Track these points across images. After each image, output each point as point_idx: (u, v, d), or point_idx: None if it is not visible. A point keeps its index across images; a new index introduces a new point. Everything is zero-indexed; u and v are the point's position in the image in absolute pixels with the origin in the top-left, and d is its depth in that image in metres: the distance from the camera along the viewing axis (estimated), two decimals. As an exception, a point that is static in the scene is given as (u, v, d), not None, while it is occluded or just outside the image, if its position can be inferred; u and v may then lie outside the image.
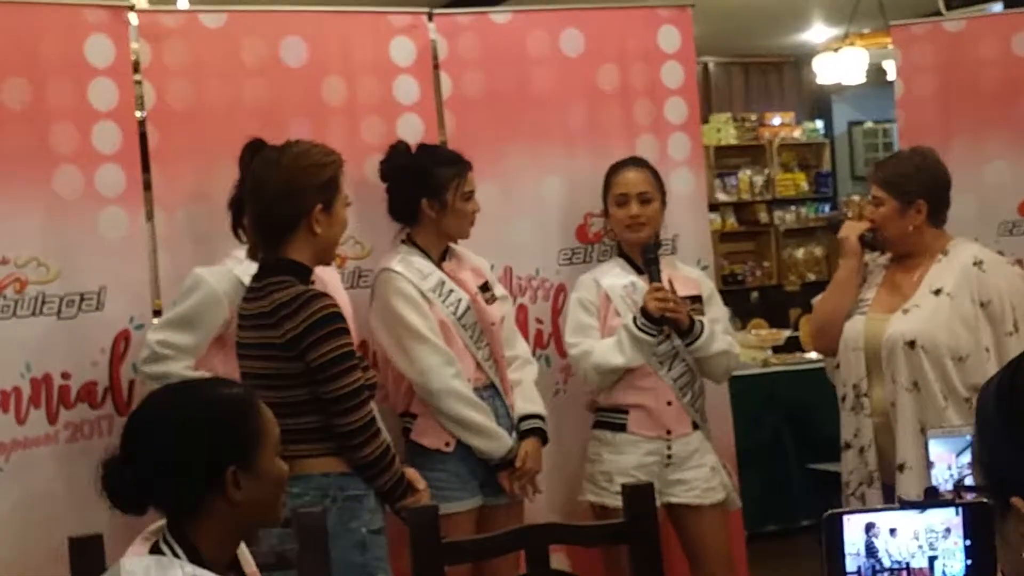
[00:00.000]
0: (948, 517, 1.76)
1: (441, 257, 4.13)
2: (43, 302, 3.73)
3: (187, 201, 3.89)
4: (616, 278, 4.34)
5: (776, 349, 7.63)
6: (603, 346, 4.24)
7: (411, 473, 3.49)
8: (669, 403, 4.27)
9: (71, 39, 3.82)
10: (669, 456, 4.28)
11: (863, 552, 1.73)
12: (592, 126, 4.65)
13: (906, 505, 1.75)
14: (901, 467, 3.99)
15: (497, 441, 4.03)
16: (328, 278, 3.93)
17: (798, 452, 6.97)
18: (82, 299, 3.80)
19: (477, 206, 4.15)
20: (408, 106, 4.37)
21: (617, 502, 3.19)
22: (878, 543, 1.73)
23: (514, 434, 4.10)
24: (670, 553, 4.44)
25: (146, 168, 3.99)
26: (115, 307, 3.85)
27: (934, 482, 2.46)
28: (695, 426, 4.32)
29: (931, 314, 4.01)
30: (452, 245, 4.17)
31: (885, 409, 4.05)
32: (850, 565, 1.73)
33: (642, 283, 4.28)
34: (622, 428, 4.28)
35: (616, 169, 4.38)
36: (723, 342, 4.32)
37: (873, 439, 4.08)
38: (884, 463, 4.07)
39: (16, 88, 3.71)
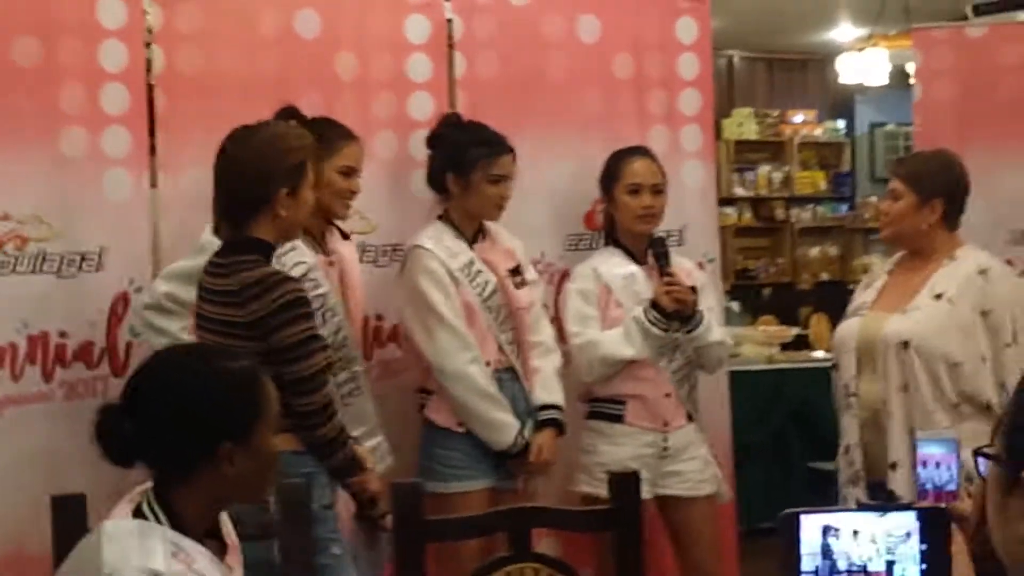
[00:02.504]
0: (908, 522, 1.75)
1: (475, 235, 4.12)
2: (43, 260, 3.72)
3: (192, 167, 3.87)
4: (615, 268, 4.32)
5: (784, 346, 7.61)
6: (611, 337, 4.22)
7: (361, 452, 3.49)
8: (667, 395, 4.27)
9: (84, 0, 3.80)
10: (665, 448, 4.27)
11: (819, 553, 1.72)
12: (605, 114, 4.64)
13: (864, 508, 1.75)
14: (894, 465, 4.00)
15: (500, 433, 4.03)
16: (345, 252, 3.94)
17: (801, 449, 6.95)
18: (82, 259, 3.79)
19: (506, 191, 4.13)
20: (420, 84, 4.35)
21: (612, 493, 3.18)
22: (835, 544, 1.72)
23: (529, 421, 4.10)
24: (657, 544, 4.45)
25: (152, 133, 3.98)
26: (115, 269, 3.84)
27: (922, 482, 2.44)
28: (690, 418, 4.32)
29: (929, 317, 4.00)
30: (487, 224, 4.16)
31: (875, 407, 4.06)
32: (807, 565, 1.73)
33: (642, 274, 4.28)
34: (619, 419, 4.27)
35: (625, 158, 4.35)
36: (719, 332, 4.32)
37: (859, 438, 4.08)
38: (871, 461, 4.08)
39: (26, 46, 3.69)
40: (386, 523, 3.32)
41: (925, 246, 4.14)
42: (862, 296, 4.25)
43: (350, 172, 3.85)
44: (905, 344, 3.99)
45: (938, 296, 4.04)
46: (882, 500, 1.78)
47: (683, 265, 4.41)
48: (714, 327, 4.30)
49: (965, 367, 3.98)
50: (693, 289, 4.27)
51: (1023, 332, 4.03)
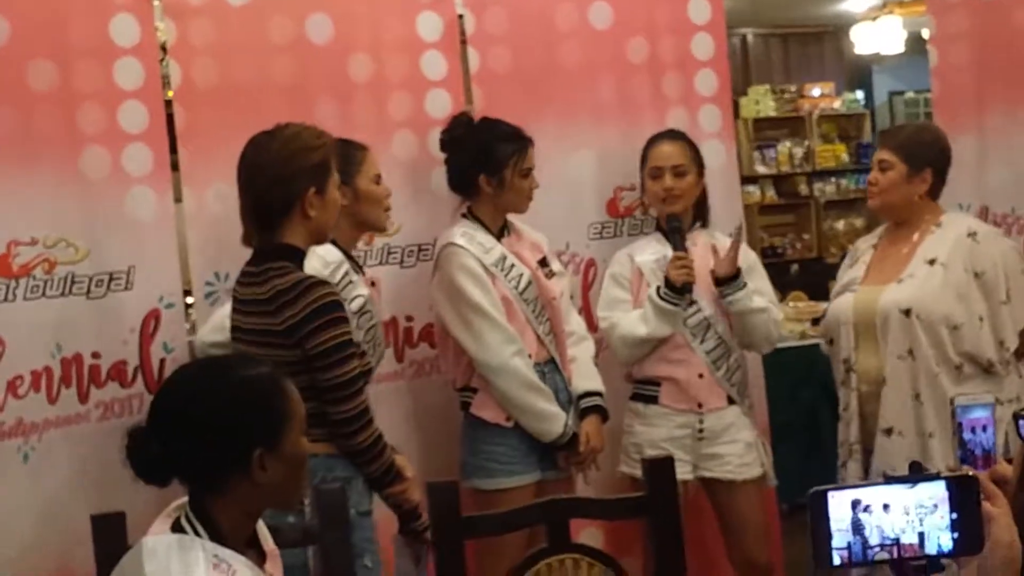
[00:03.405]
0: (937, 491, 1.75)
1: (500, 231, 4.13)
2: (72, 282, 3.74)
3: (215, 180, 3.89)
4: (648, 252, 4.34)
5: (815, 321, 7.57)
6: (629, 318, 4.25)
7: (400, 461, 3.47)
8: (701, 376, 4.27)
9: (96, 19, 3.81)
10: (701, 430, 4.27)
11: (850, 529, 1.72)
12: (622, 99, 4.63)
13: (892, 480, 1.74)
14: (888, 431, 4.04)
15: (549, 424, 4.04)
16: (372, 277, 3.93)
17: (835, 425, 6.90)
18: (111, 279, 3.80)
19: (535, 183, 4.15)
20: (436, 81, 4.35)
21: (648, 475, 3.18)
22: (866, 519, 1.72)
23: (571, 410, 4.11)
24: (706, 527, 4.45)
25: (174, 149, 3.99)
26: (144, 286, 3.86)
27: (971, 447, 2.45)
28: (730, 401, 4.31)
29: (925, 283, 4.11)
30: (510, 219, 4.17)
31: (874, 378, 4.12)
32: (838, 541, 1.72)
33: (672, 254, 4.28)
34: (654, 400, 4.29)
35: (652, 142, 4.38)
36: (762, 301, 4.31)
37: (857, 411, 4.17)
38: (867, 433, 4.13)
39: (42, 70, 3.70)
40: (427, 536, 3.29)
41: (912, 216, 4.24)
42: (849, 273, 4.35)
43: (379, 179, 3.85)
44: (907, 312, 4.05)
45: (931, 262, 4.13)
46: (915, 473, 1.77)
47: (724, 244, 4.39)
48: (756, 296, 4.27)
49: (965, 328, 4.08)
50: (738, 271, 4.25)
51: (1016, 289, 4.14)
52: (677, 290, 4.17)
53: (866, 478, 4.11)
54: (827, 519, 1.73)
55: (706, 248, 4.31)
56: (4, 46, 3.64)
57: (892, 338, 4.09)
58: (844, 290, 4.31)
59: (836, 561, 1.75)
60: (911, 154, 4.18)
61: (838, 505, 1.73)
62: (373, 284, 3.88)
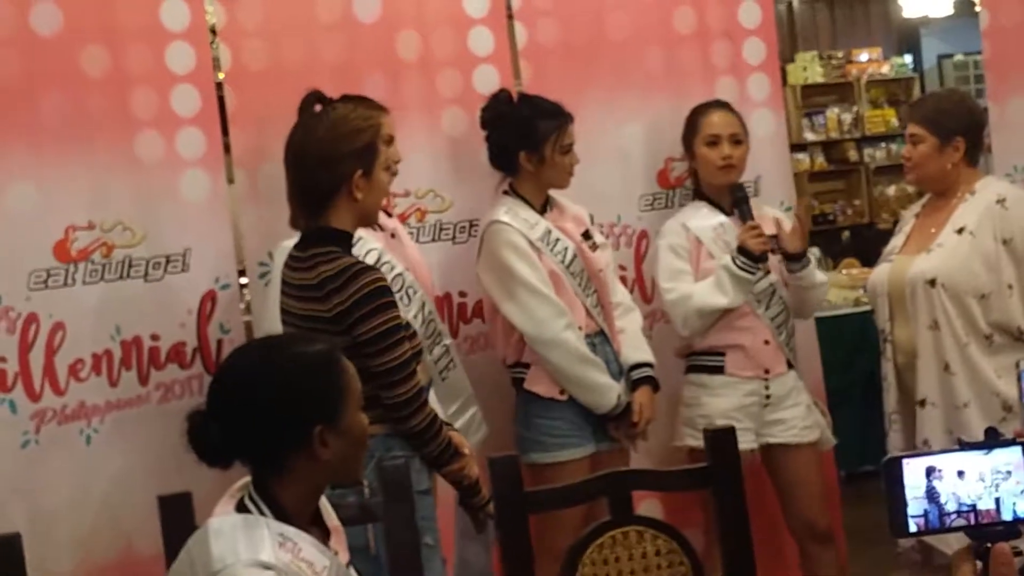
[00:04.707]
0: (1013, 457, 1.74)
1: (543, 207, 4.13)
2: (130, 265, 3.77)
3: (266, 161, 3.89)
4: (704, 220, 4.34)
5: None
6: (703, 288, 4.23)
7: (457, 438, 3.47)
8: (766, 342, 4.28)
9: (146, 4, 3.83)
10: (767, 396, 4.28)
11: (925, 496, 1.71)
12: (670, 70, 4.61)
13: (966, 446, 1.73)
14: (922, 403, 4.02)
15: (603, 395, 4.04)
16: (391, 224, 3.92)
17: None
18: (168, 261, 3.83)
19: (576, 158, 4.14)
20: (483, 57, 4.34)
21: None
22: (940, 486, 1.71)
23: (622, 381, 4.11)
24: (763, 495, 4.44)
25: (226, 131, 4.01)
26: (200, 268, 3.88)
27: None
28: (789, 365, 4.33)
29: (952, 252, 4.08)
30: (552, 194, 4.17)
31: (909, 349, 4.12)
32: (914, 509, 1.72)
33: (731, 223, 4.28)
34: (719, 370, 4.29)
35: (703, 111, 4.36)
36: (820, 273, 4.35)
37: (895, 382, 4.16)
38: (907, 403, 4.12)
39: (95, 55, 3.73)
40: (489, 509, 3.32)
41: (951, 185, 4.20)
42: (892, 242, 4.33)
43: (391, 141, 3.81)
44: (932, 282, 4.03)
45: (959, 230, 4.10)
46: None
47: (771, 214, 4.40)
48: (816, 269, 4.33)
49: (993, 297, 4.04)
50: (773, 238, 4.25)
51: None
52: (755, 258, 4.17)
53: (907, 449, 4.10)
54: (902, 487, 1.72)
55: (756, 216, 4.30)
56: (57, 33, 3.67)
57: (919, 309, 4.08)
58: (884, 260, 4.29)
59: (912, 529, 1.74)
60: (938, 124, 4.15)
61: (913, 473, 1.73)
62: (393, 236, 3.87)
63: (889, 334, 4.18)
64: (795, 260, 4.26)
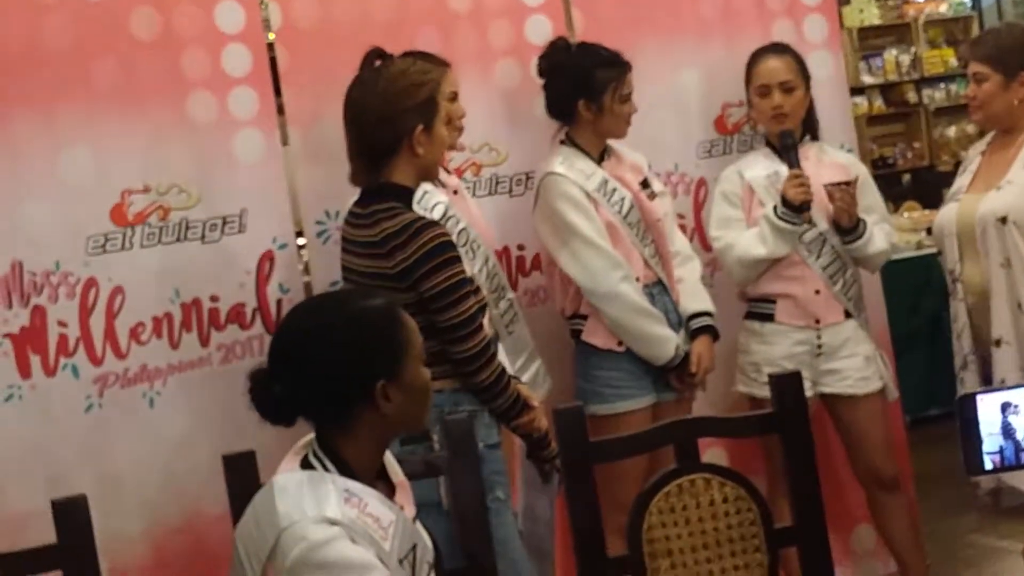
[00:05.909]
0: None
1: (600, 156, 4.09)
2: (187, 228, 3.77)
3: (320, 120, 3.89)
4: (759, 167, 4.28)
5: (930, 231, 7.44)
6: (746, 238, 4.19)
7: (525, 391, 3.47)
8: (817, 292, 4.22)
9: (195, -36, 3.83)
10: (819, 346, 4.22)
11: (1000, 433, 1.68)
12: (725, 14, 4.55)
13: None
14: (998, 342, 3.97)
15: (660, 347, 4.02)
16: (452, 182, 3.92)
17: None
18: (224, 222, 3.83)
19: (634, 107, 4.09)
20: (535, 7, 4.30)
21: (765, 392, 3.15)
22: (1016, 421, 1.67)
23: (681, 331, 4.08)
24: (831, 442, 4.40)
25: (279, 91, 3.99)
26: (257, 229, 3.88)
27: None
28: (847, 315, 4.25)
29: (1022, 190, 3.94)
30: (610, 143, 4.13)
31: (980, 289, 4.06)
32: (989, 446, 1.68)
33: (786, 171, 4.21)
34: (770, 318, 4.25)
35: (757, 58, 4.30)
36: (881, 240, 4.24)
37: (968, 322, 4.10)
38: (981, 343, 4.05)
39: (144, 17, 3.72)
40: (557, 463, 3.31)
41: (1018, 121, 4.14)
42: (958, 182, 4.27)
43: (455, 97, 3.78)
44: (1003, 220, 3.96)
45: None
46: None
47: (838, 159, 4.34)
48: (876, 238, 4.22)
49: None
50: (845, 184, 4.18)
51: None
52: (795, 209, 4.11)
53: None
54: (977, 424, 1.69)
55: (818, 161, 4.26)
56: (106, -3, 3.66)
57: (991, 247, 4.02)
58: (951, 199, 4.23)
59: (988, 466, 1.71)
60: (1001, 61, 4.09)
61: (987, 409, 1.69)
62: (456, 192, 3.87)
63: (959, 274, 4.13)
64: (846, 232, 4.18)
